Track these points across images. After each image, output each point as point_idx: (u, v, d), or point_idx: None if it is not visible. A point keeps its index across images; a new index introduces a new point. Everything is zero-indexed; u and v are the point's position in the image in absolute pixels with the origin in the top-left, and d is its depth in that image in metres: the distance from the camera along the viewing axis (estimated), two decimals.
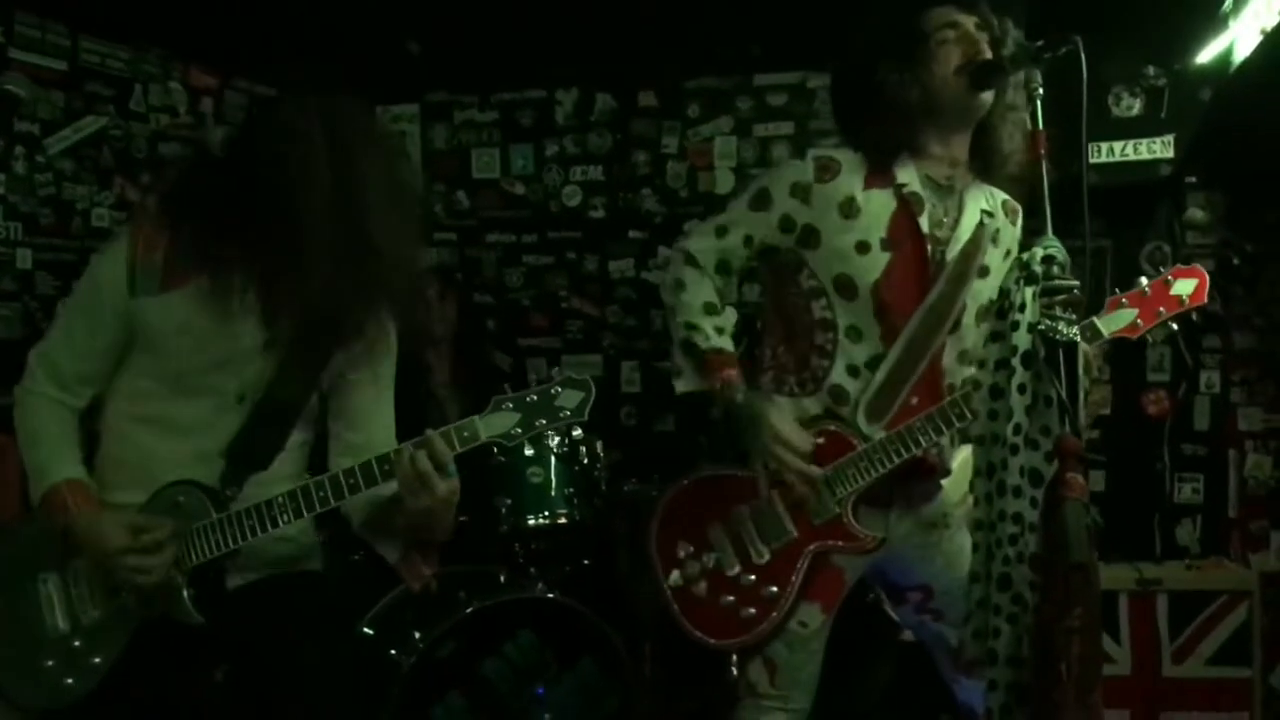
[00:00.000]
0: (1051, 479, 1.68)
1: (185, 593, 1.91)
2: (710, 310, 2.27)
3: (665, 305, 2.33)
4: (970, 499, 2.61)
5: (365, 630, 3.15)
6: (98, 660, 1.95)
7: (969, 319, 2.25)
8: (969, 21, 2.13)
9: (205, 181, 1.96)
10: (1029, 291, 1.76)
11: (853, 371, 2.20)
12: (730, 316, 2.31)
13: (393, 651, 3.02)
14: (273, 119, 1.96)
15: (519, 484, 3.33)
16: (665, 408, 4.59)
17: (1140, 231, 4.04)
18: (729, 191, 4.49)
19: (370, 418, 2.09)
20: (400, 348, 2.12)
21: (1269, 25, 3.08)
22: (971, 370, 2.31)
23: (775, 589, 2.21)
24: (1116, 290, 2.14)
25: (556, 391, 1.88)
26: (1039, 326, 1.74)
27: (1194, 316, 2.17)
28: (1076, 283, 1.77)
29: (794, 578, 2.21)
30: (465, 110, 4.75)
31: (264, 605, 2.02)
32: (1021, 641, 1.73)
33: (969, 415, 2.11)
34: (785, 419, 2.21)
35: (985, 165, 2.23)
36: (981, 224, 2.24)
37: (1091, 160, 3.53)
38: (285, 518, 1.90)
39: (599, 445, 3.52)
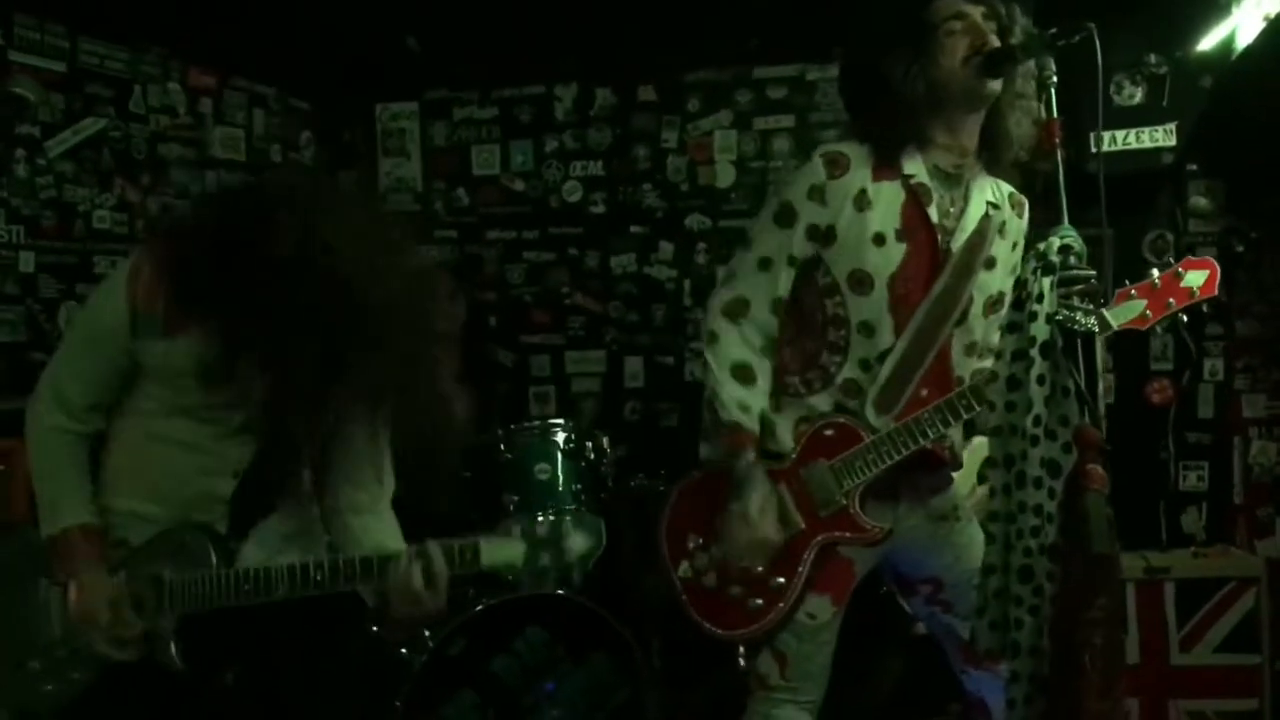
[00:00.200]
0: (1072, 470, 1.68)
1: (172, 646, 1.90)
2: (738, 373, 2.24)
3: (704, 352, 2.29)
4: (978, 491, 2.63)
5: (375, 629, 3.14)
6: (76, 676, 1.96)
7: (976, 310, 2.25)
8: (976, 12, 2.13)
9: (196, 248, 1.89)
10: (1046, 282, 1.75)
11: (864, 366, 2.21)
12: (764, 374, 2.26)
13: (403, 650, 3.02)
14: (252, 202, 1.92)
15: (527, 480, 3.34)
16: (669, 403, 4.59)
17: (1142, 220, 4.05)
18: (730, 185, 4.50)
19: (374, 462, 2.06)
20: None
21: (1271, 12, 3.09)
22: (984, 363, 2.32)
23: (782, 580, 2.22)
24: (1127, 281, 2.14)
25: (568, 528, 1.83)
26: (1057, 317, 1.74)
27: (1204, 308, 2.16)
28: (1094, 272, 1.77)
29: (800, 569, 2.21)
30: (465, 107, 4.73)
31: (274, 605, 2.00)
32: (1042, 632, 1.73)
33: (978, 407, 2.11)
34: (768, 505, 2.20)
35: (994, 154, 2.23)
36: (987, 215, 2.24)
37: (1093, 149, 3.52)
38: (280, 591, 1.87)
39: (605, 441, 3.52)
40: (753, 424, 2.23)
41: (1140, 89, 3.61)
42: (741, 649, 2.28)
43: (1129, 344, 3.98)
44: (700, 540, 2.29)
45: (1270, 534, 3.96)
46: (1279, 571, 3.65)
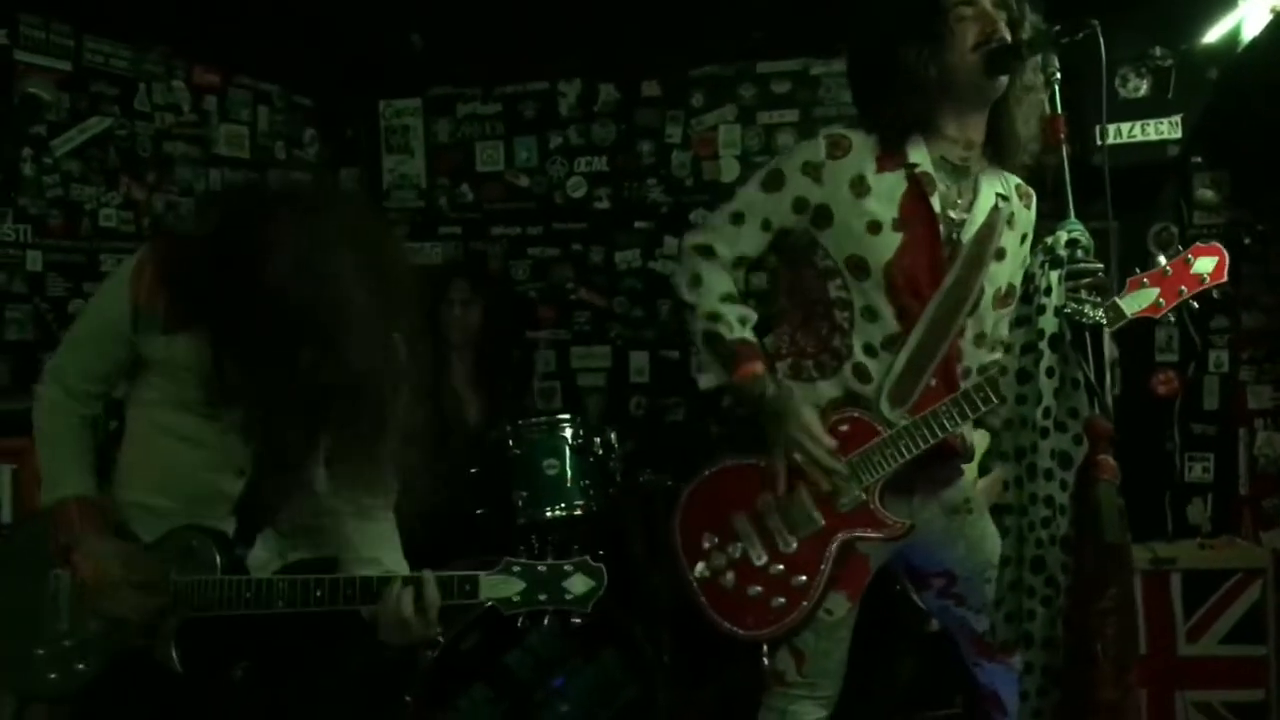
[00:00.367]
0: (1083, 461, 1.68)
1: (174, 648, 1.91)
2: (730, 300, 2.25)
3: (682, 302, 2.29)
4: (979, 482, 2.63)
5: None
6: (81, 667, 1.97)
7: (986, 302, 2.25)
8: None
9: (194, 251, 1.90)
10: (1055, 275, 1.76)
11: (869, 351, 2.21)
12: (751, 308, 2.29)
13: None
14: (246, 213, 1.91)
15: (536, 476, 3.35)
16: (674, 398, 4.59)
17: (1146, 213, 4.05)
18: (734, 179, 4.48)
19: (372, 467, 2.02)
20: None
21: (1278, 4, 3.08)
22: (994, 355, 2.33)
23: (804, 578, 2.21)
24: (1137, 270, 2.15)
25: (568, 571, 1.83)
26: (1065, 310, 1.74)
27: (1214, 294, 2.17)
28: (1101, 265, 1.78)
29: (823, 566, 2.21)
30: (468, 103, 4.73)
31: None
32: (1055, 624, 1.74)
33: (994, 399, 2.12)
34: (813, 414, 2.21)
35: (1001, 148, 2.24)
36: (996, 207, 2.24)
37: (1098, 143, 3.52)
38: (280, 603, 1.88)
39: (613, 436, 3.53)
40: (755, 339, 2.25)
41: (1145, 81, 3.61)
42: (765, 647, 2.26)
43: (1134, 336, 3.98)
44: (716, 540, 2.27)
45: (1276, 525, 3.95)
46: None
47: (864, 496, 2.21)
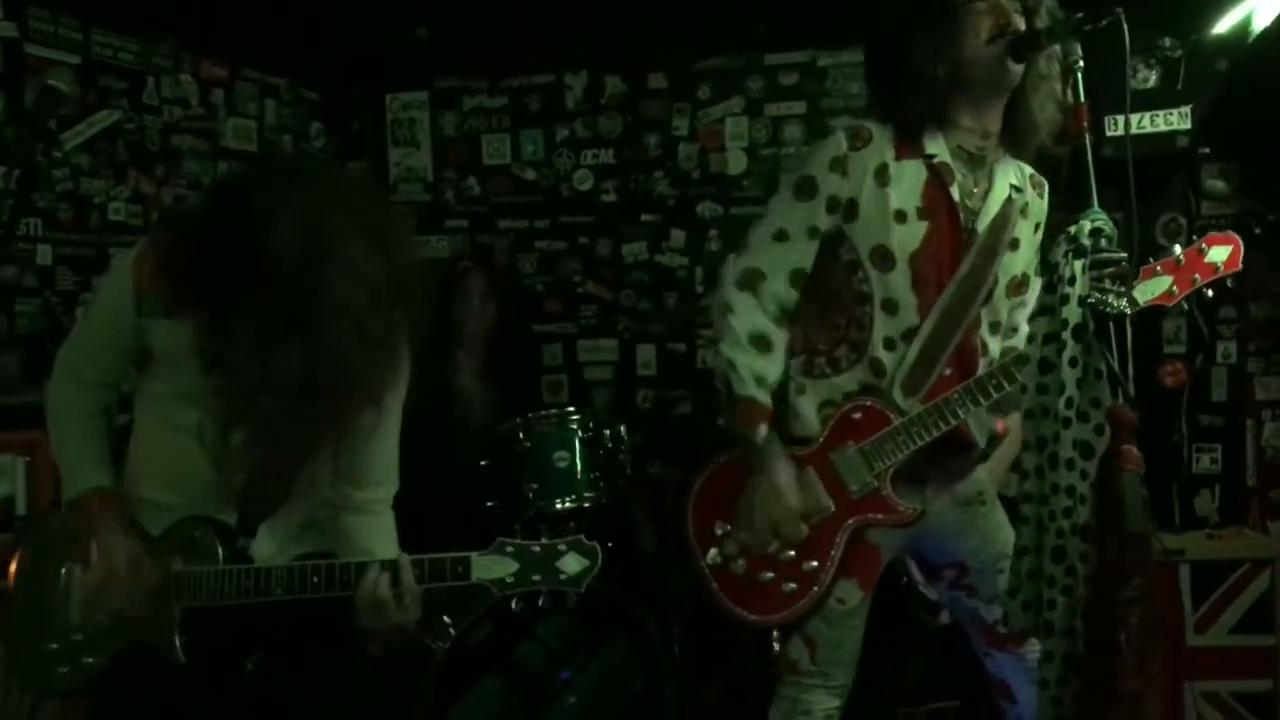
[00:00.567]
0: (1106, 451, 1.68)
1: (177, 639, 1.92)
2: (756, 344, 2.21)
3: (714, 325, 2.27)
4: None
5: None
6: (90, 661, 1.98)
7: (1000, 291, 2.26)
8: None
9: (194, 238, 1.89)
10: (1078, 265, 1.75)
11: (889, 344, 2.21)
12: (779, 347, 2.25)
13: (425, 637, 3.04)
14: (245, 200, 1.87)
15: (546, 468, 3.35)
16: (681, 390, 4.60)
17: (1154, 204, 4.05)
18: (741, 172, 4.50)
19: (371, 461, 2.05)
20: (426, 345, 2.08)
21: None
22: (1008, 342, 2.33)
23: (815, 563, 2.22)
24: (1151, 259, 2.15)
25: (562, 550, 1.81)
26: (1089, 299, 1.74)
27: (1229, 283, 2.17)
28: (1125, 255, 1.78)
29: (834, 552, 2.21)
30: (474, 96, 4.74)
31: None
32: (1076, 613, 1.74)
33: (1007, 386, 2.12)
34: (790, 478, 2.21)
35: (1018, 138, 2.23)
36: (1010, 197, 2.24)
37: (1108, 133, 3.53)
38: (279, 591, 1.88)
39: (622, 428, 3.54)
40: (767, 398, 2.21)
41: (1155, 72, 3.61)
42: (776, 633, 2.27)
43: (1142, 327, 3.99)
44: (728, 527, 2.28)
45: None
46: None
47: (876, 483, 2.21)
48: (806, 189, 2.20)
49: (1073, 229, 1.80)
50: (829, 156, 2.18)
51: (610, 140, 4.63)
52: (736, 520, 2.27)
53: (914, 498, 2.27)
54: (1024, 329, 2.36)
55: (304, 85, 4.57)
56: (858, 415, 2.23)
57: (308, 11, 4.01)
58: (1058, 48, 2.03)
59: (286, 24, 4.06)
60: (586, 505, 3.35)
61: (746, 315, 2.22)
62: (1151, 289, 2.10)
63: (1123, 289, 1.74)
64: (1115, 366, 1.68)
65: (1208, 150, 3.98)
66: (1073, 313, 1.76)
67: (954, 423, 2.19)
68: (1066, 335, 1.76)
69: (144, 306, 1.90)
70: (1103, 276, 1.76)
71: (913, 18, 2.14)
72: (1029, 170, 2.33)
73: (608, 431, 3.47)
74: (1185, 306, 2.16)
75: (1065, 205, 2.05)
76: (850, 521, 2.23)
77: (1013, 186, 2.26)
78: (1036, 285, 2.33)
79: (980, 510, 2.37)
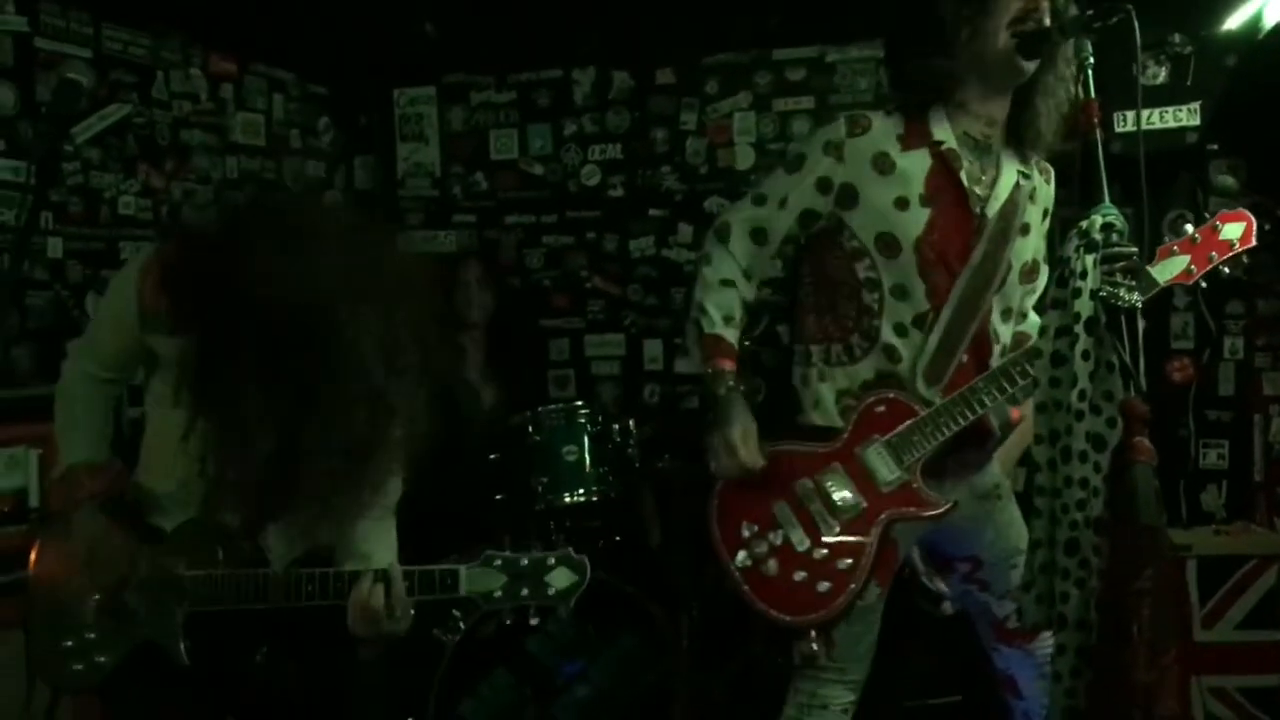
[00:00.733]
0: (1119, 443, 1.69)
1: (181, 643, 1.92)
2: (726, 286, 2.26)
3: (696, 273, 2.33)
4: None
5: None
6: (102, 659, 1.99)
7: (1013, 277, 2.27)
8: None
9: (191, 263, 1.90)
10: (1090, 259, 1.77)
11: (900, 330, 2.21)
12: (747, 296, 2.29)
13: (435, 630, 3.05)
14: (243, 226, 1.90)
15: (555, 462, 3.36)
16: (689, 385, 4.60)
17: (1163, 200, 4.05)
18: (749, 167, 4.50)
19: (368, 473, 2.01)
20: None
21: None
22: (1020, 328, 2.34)
23: (850, 560, 2.19)
24: (1168, 235, 2.16)
25: (551, 564, 1.81)
26: (1100, 293, 1.75)
27: (1242, 275, 2.18)
28: (1135, 249, 1.79)
29: (868, 548, 2.19)
30: (482, 91, 4.74)
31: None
32: (1089, 605, 1.75)
33: (1030, 372, 2.11)
34: (749, 428, 2.21)
35: (1021, 134, 2.24)
36: (1018, 183, 2.25)
37: (1117, 129, 3.54)
38: (276, 598, 1.89)
39: (631, 423, 3.54)
40: (734, 338, 2.26)
41: (1164, 69, 3.62)
42: (813, 632, 2.24)
43: (1149, 322, 3.99)
44: (756, 528, 2.25)
45: None
46: None
47: (906, 476, 2.20)
48: (796, 163, 2.25)
49: (1084, 224, 1.81)
50: (825, 139, 2.22)
51: (618, 135, 4.63)
52: (769, 519, 2.25)
53: (932, 490, 2.25)
54: (1033, 315, 2.37)
55: (312, 80, 4.58)
56: (881, 409, 2.23)
57: (316, 6, 4.02)
58: (1071, 46, 2.03)
59: (295, 19, 4.07)
60: (595, 499, 3.36)
61: (719, 262, 2.28)
62: (1169, 269, 2.11)
63: (1134, 283, 1.75)
64: (1127, 359, 1.69)
65: (1216, 146, 3.97)
66: (1084, 306, 1.77)
67: (980, 412, 2.19)
68: (1079, 329, 1.77)
69: (146, 321, 1.92)
70: (1114, 270, 1.77)
71: None
72: (1035, 156, 2.34)
73: (616, 426, 3.47)
74: (1202, 282, 2.14)
75: (1074, 201, 2.06)
76: (883, 516, 2.20)
77: (1020, 172, 2.27)
78: (1045, 272, 2.34)
79: (997, 504, 2.38)
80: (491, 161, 4.74)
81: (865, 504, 2.21)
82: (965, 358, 2.22)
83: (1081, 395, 1.76)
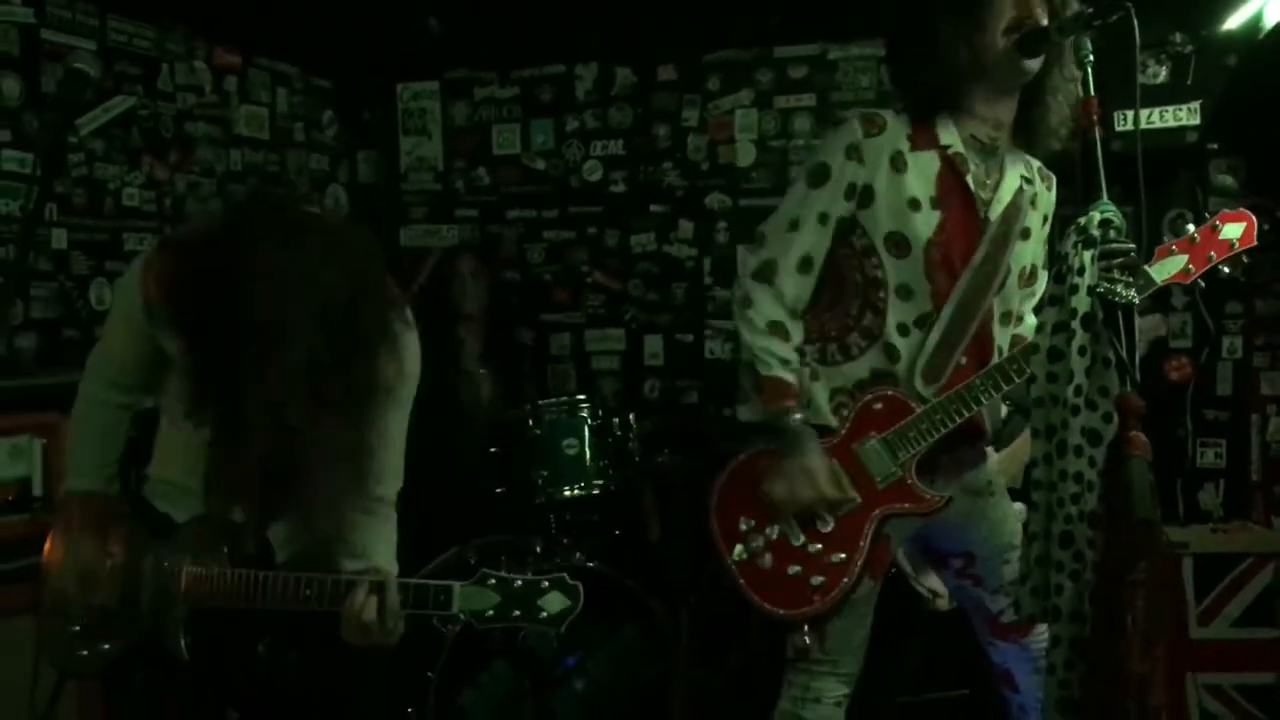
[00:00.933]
0: (1114, 438, 1.70)
1: (181, 638, 1.94)
2: (775, 331, 2.23)
3: (735, 316, 2.29)
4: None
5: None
6: (106, 647, 2.01)
7: (1013, 281, 2.27)
8: None
9: (193, 268, 1.90)
10: (1088, 255, 1.77)
11: (903, 330, 2.22)
12: (796, 337, 2.26)
13: (434, 621, 3.06)
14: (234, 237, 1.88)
15: (555, 456, 3.37)
16: (688, 380, 4.63)
17: (1162, 199, 4.06)
18: (750, 164, 4.52)
19: (375, 457, 2.03)
20: (432, 325, 2.10)
21: None
22: (1016, 331, 2.35)
23: (844, 555, 2.20)
24: (1167, 234, 2.16)
25: (544, 587, 1.81)
26: (1097, 289, 1.76)
27: (1226, 270, 2.18)
28: (1133, 246, 1.79)
29: (862, 542, 2.21)
30: (485, 87, 4.77)
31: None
32: (1083, 598, 1.76)
33: (1027, 370, 2.13)
34: (822, 460, 2.21)
35: (1031, 134, 2.25)
36: (1021, 187, 2.26)
37: (1117, 128, 3.55)
38: (275, 599, 1.89)
39: (631, 417, 3.56)
40: (793, 377, 2.23)
41: (1165, 68, 3.63)
42: (806, 626, 2.25)
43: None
44: (753, 522, 2.26)
45: None
46: None
47: (900, 472, 2.22)
48: (821, 176, 2.21)
49: (1082, 220, 1.81)
50: (844, 143, 2.20)
51: (620, 131, 4.65)
52: (764, 507, 2.25)
53: (926, 487, 2.27)
54: (1030, 319, 2.39)
55: (316, 74, 4.60)
56: (879, 406, 2.23)
57: (320, 1, 4.04)
58: (1072, 44, 2.04)
59: (299, 13, 4.09)
60: (595, 493, 3.38)
61: (764, 306, 2.24)
62: (1168, 268, 2.11)
63: (1131, 279, 1.76)
64: (1123, 355, 1.70)
65: (1216, 146, 3.99)
66: (1082, 302, 1.77)
67: (976, 409, 2.20)
68: (1075, 324, 1.78)
69: (152, 314, 1.93)
70: (1111, 267, 1.77)
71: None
72: (1037, 163, 2.35)
73: (616, 420, 3.49)
74: (1202, 280, 2.15)
75: (1074, 201, 2.07)
76: (877, 512, 2.22)
77: (1023, 177, 2.28)
78: (1044, 278, 2.35)
79: (990, 500, 2.39)
80: (494, 156, 4.77)
81: (860, 500, 2.22)
82: (964, 359, 2.23)
83: (1078, 390, 1.77)
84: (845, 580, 2.20)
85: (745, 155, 4.55)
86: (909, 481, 2.22)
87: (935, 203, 2.18)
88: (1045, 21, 2.08)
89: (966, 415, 2.20)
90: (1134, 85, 2.00)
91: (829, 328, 2.30)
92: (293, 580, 1.90)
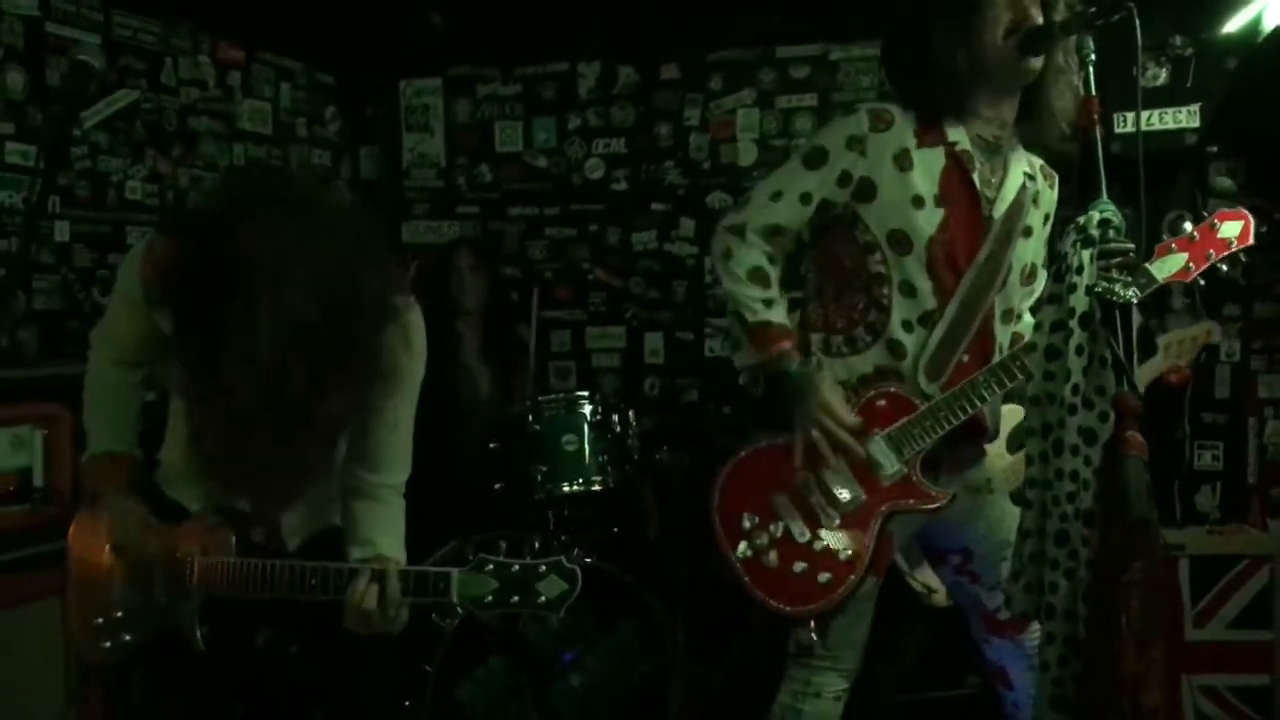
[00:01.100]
0: (1111, 437, 1.71)
1: (197, 628, 1.95)
2: (757, 278, 2.25)
3: (717, 271, 2.32)
4: (1008, 458, 2.66)
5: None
6: (127, 638, 2.01)
7: (1014, 279, 2.29)
8: None
9: (190, 253, 1.87)
10: (1086, 254, 1.79)
11: (907, 326, 2.23)
12: (776, 287, 2.28)
13: (433, 615, 3.07)
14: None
15: (554, 452, 3.37)
16: (688, 378, 4.63)
17: (1161, 201, 4.07)
18: (752, 163, 4.53)
19: (382, 451, 2.05)
20: (431, 320, 2.10)
21: None
22: (1015, 328, 2.36)
23: (850, 552, 2.21)
24: (1166, 236, 2.17)
25: (542, 571, 1.80)
26: (1096, 289, 1.77)
27: (1225, 267, 2.19)
28: (1132, 245, 1.81)
29: (868, 540, 2.21)
30: (488, 84, 4.78)
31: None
32: (1077, 596, 1.77)
33: (1028, 368, 2.14)
34: (835, 392, 2.23)
35: (1034, 128, 2.26)
36: (1024, 185, 2.27)
37: (1117, 130, 3.55)
38: (282, 589, 1.90)
39: (631, 414, 3.56)
40: (782, 319, 2.25)
41: (1165, 70, 3.64)
42: (813, 622, 2.26)
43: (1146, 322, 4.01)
44: (757, 519, 2.26)
45: None
46: None
47: (905, 469, 2.22)
48: (817, 159, 2.23)
49: (1081, 219, 1.83)
50: (848, 134, 2.20)
51: (622, 129, 4.67)
52: (767, 504, 2.25)
53: (929, 484, 2.28)
54: (1028, 317, 2.40)
55: (319, 69, 4.61)
56: (883, 402, 2.24)
57: None
58: (1074, 42, 2.05)
59: (303, 8, 4.09)
60: (594, 489, 3.37)
61: (742, 254, 2.26)
62: (1167, 267, 2.11)
63: (1129, 279, 1.77)
64: (1121, 355, 1.71)
65: (1216, 148, 3.99)
66: (1080, 301, 1.79)
67: (980, 406, 2.21)
68: (1073, 323, 1.79)
69: (150, 298, 1.93)
70: (1110, 266, 1.78)
71: (934, 9, 2.16)
72: (1040, 161, 2.37)
73: (616, 416, 3.48)
74: (1200, 283, 2.16)
75: (1073, 201, 2.08)
76: (883, 509, 2.22)
77: (1026, 175, 2.29)
78: (1043, 276, 2.36)
79: (989, 497, 2.40)
80: (496, 153, 4.78)
81: (865, 496, 2.23)
82: (966, 357, 2.24)
83: (1075, 389, 1.78)
84: (853, 577, 2.21)
85: (747, 154, 4.56)
86: (914, 478, 2.23)
87: (939, 200, 2.19)
88: (1040, 21, 2.09)
89: (969, 413, 2.21)
90: (1135, 87, 2.00)
91: (835, 320, 2.31)
92: (299, 569, 1.90)
